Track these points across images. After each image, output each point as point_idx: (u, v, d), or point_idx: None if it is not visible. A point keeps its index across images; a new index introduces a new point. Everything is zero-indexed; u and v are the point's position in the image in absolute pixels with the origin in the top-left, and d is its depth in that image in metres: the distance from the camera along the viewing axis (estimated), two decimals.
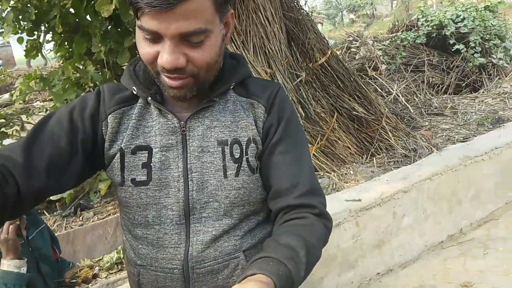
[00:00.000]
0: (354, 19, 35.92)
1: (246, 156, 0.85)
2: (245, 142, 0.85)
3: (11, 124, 3.17)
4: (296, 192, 0.83)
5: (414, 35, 6.57)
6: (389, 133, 3.86)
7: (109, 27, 2.93)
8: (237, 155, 0.84)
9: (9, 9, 2.79)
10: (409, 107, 4.91)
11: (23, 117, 3.78)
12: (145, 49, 0.75)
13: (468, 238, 2.90)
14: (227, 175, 0.84)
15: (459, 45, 6.18)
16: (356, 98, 3.97)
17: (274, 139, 0.86)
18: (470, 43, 6.18)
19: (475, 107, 5.15)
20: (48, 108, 3.67)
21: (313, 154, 3.37)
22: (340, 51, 6.34)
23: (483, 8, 6.72)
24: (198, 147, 0.83)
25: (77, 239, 3.37)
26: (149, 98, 0.83)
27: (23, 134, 3.46)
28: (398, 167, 3.23)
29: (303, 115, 3.49)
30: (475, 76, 6.22)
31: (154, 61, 0.76)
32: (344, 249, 2.44)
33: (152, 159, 0.83)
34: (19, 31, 2.95)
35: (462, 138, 3.97)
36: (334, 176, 3.24)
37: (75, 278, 1.59)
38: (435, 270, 2.59)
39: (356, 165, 3.53)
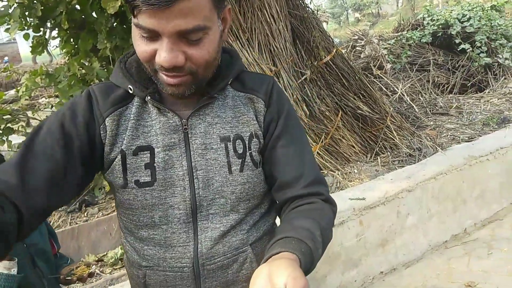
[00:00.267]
0: (360, 18, 35.81)
1: (250, 151, 0.85)
2: (247, 138, 0.85)
3: (17, 120, 3.18)
4: (302, 182, 0.86)
5: (420, 34, 6.53)
6: (394, 132, 3.85)
7: (114, 24, 2.94)
8: (240, 151, 0.85)
9: (15, 5, 2.80)
10: (414, 106, 4.89)
11: (29, 113, 3.80)
12: (142, 47, 0.74)
13: (472, 238, 2.89)
14: (231, 171, 0.84)
15: (465, 44, 6.14)
16: (361, 96, 3.96)
17: (276, 133, 0.87)
18: (476, 42, 6.14)
19: (480, 107, 5.12)
20: (53, 104, 3.68)
21: (317, 152, 3.37)
22: (345, 50, 6.32)
23: (489, 8, 6.68)
24: (201, 144, 0.83)
25: (81, 235, 3.39)
26: (148, 97, 0.81)
27: (29, 130, 3.48)
28: (403, 166, 3.22)
29: (308, 113, 3.49)
30: (481, 76, 6.17)
31: (151, 59, 0.74)
32: (348, 247, 2.44)
33: (155, 159, 0.82)
34: (25, 28, 2.96)
35: (467, 138, 3.95)
36: (338, 174, 3.24)
37: (70, 275, 1.55)
38: (439, 269, 2.59)
39: (360, 163, 3.53)
